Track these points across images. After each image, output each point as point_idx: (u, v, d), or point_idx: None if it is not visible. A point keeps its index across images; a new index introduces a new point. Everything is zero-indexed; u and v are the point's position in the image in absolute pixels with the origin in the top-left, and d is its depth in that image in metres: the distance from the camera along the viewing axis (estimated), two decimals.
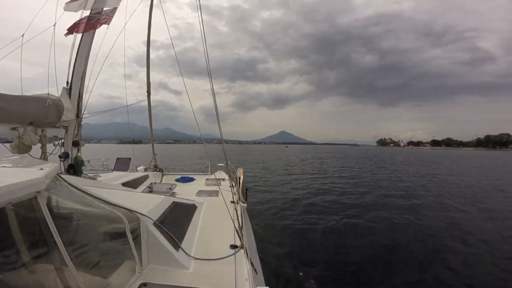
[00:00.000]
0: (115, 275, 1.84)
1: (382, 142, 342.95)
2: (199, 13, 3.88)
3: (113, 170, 6.15)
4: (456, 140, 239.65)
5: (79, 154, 4.48)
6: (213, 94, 3.52)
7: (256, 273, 2.55)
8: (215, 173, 7.08)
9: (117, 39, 4.73)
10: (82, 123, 4.48)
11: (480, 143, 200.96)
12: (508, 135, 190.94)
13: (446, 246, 6.61)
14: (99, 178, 4.45)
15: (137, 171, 6.54)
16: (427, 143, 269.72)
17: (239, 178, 4.77)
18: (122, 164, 6.66)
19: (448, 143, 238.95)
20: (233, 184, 5.29)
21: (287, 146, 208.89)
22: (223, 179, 5.55)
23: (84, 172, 4.62)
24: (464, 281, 5.00)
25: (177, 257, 2.20)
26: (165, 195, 3.75)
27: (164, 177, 6.95)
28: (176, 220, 2.85)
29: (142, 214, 2.19)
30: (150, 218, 2.25)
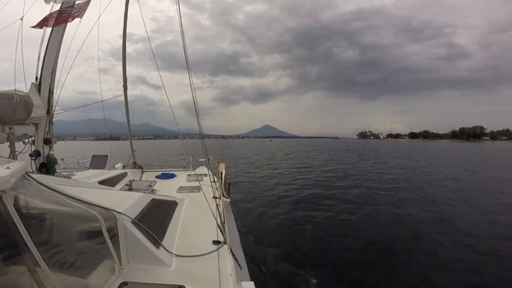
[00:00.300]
0: (94, 274, 1.82)
1: (363, 135, 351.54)
2: (178, 4, 3.81)
3: (89, 168, 5.94)
4: (433, 133, 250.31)
5: (51, 152, 4.37)
6: (192, 87, 3.43)
7: (241, 268, 2.56)
8: (197, 168, 6.99)
9: (90, 32, 4.54)
10: (54, 119, 4.33)
11: (455, 135, 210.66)
12: (481, 127, 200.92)
13: (432, 239, 6.79)
14: (73, 177, 4.29)
15: (115, 168, 6.39)
16: (405, 135, 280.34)
17: (221, 173, 4.72)
18: (99, 161, 6.42)
19: (425, 135, 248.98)
20: (215, 179, 5.26)
21: (272, 140, 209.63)
22: (205, 175, 5.48)
23: (57, 171, 4.46)
24: (448, 274, 5.15)
25: (158, 254, 2.18)
26: (144, 192, 3.70)
27: (144, 174, 6.84)
28: (156, 218, 2.82)
29: (119, 212, 2.17)
30: (128, 216, 2.22)
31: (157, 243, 2.30)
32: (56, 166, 4.37)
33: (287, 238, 6.76)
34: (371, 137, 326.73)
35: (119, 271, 1.96)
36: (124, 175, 5.61)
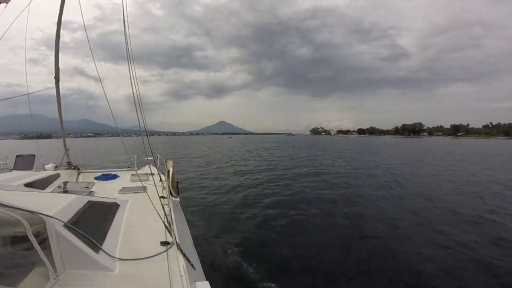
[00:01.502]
0: (25, 282, 1.75)
1: (315, 131, 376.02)
2: None
3: (12, 170, 5.32)
4: (378, 129, 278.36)
5: None
6: (133, 79, 3.15)
7: (194, 269, 2.52)
8: (142, 168, 6.78)
9: (16, 19, 3.96)
10: None
11: (398, 131, 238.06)
12: (420, 124, 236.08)
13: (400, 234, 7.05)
14: None
15: (45, 170, 5.84)
16: (354, 131, 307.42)
17: (169, 171, 4.60)
18: (24, 162, 5.82)
19: (372, 131, 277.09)
20: (163, 178, 5.13)
21: (231, 137, 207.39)
22: (152, 174, 5.16)
23: None
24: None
25: (98, 259, 2.10)
26: (80, 194, 3.45)
27: (81, 175, 6.44)
28: (94, 221, 2.69)
29: (47, 215, 2.02)
30: (59, 220, 2.09)
31: (96, 247, 2.20)
32: None
33: (246, 237, 6.71)
34: (323, 133, 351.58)
35: (54, 278, 1.87)
36: (56, 176, 5.14)
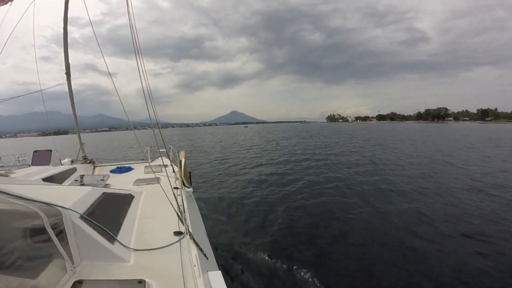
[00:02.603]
0: (44, 274, 1.81)
1: (332, 118, 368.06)
2: None
3: (30, 165, 5.55)
4: (399, 114, 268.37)
5: None
6: (141, 72, 3.25)
7: (207, 259, 2.59)
8: (156, 159, 6.92)
9: (21, 18, 4.13)
10: None
11: (421, 117, 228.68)
12: (445, 109, 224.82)
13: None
14: (12, 175, 4.03)
15: (61, 164, 6.10)
16: (373, 117, 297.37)
17: (181, 161, 4.68)
18: (42, 157, 6.11)
19: (393, 117, 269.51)
20: (175, 169, 5.23)
21: (246, 126, 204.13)
22: (165, 165, 5.44)
23: None
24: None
25: (114, 250, 2.17)
26: (96, 187, 3.60)
27: (97, 169, 6.60)
28: (109, 212, 2.79)
29: (64, 207, 2.10)
30: (76, 212, 2.17)
31: (111, 239, 2.28)
32: None
33: (264, 228, 6.69)
34: (340, 120, 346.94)
35: (71, 270, 1.94)
36: (72, 170, 5.33)
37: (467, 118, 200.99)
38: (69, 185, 4.45)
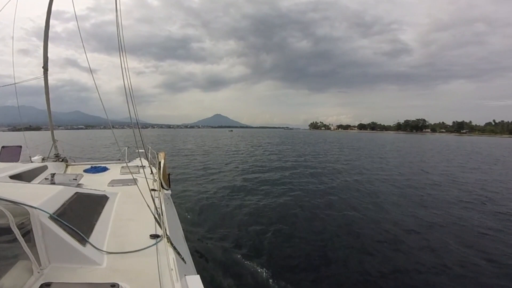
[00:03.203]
0: (8, 276, 1.75)
1: (314, 126, 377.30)
2: None
3: None
4: (380, 124, 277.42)
5: None
6: (124, 70, 3.21)
7: (185, 262, 2.56)
8: (133, 160, 6.82)
9: (2, 9, 3.99)
10: None
11: (400, 127, 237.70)
12: (424, 120, 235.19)
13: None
14: None
15: (31, 161, 5.80)
16: (354, 126, 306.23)
17: (160, 163, 4.59)
18: (10, 153, 5.81)
19: (373, 127, 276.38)
20: (154, 170, 5.17)
21: (231, 130, 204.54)
22: (143, 166, 5.26)
23: None
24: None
25: (85, 252, 2.13)
26: (68, 186, 3.49)
27: (70, 167, 6.38)
28: (81, 213, 2.72)
29: (32, 206, 2.03)
30: (45, 211, 2.10)
31: (83, 240, 2.23)
32: None
33: (242, 232, 6.77)
34: (322, 128, 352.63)
35: (38, 272, 1.88)
36: (43, 168, 5.12)
37: (444, 130, 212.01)
38: (38, 183, 4.27)
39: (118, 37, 3.19)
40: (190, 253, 3.65)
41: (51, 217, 2.13)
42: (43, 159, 6.25)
